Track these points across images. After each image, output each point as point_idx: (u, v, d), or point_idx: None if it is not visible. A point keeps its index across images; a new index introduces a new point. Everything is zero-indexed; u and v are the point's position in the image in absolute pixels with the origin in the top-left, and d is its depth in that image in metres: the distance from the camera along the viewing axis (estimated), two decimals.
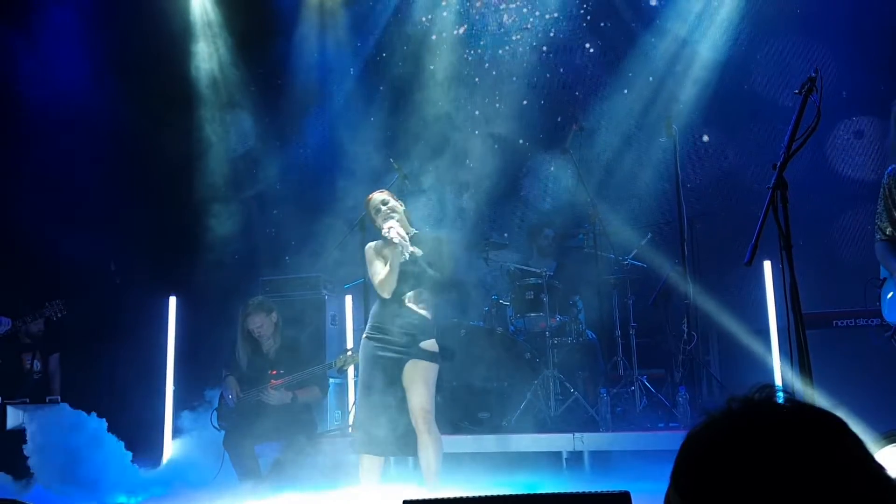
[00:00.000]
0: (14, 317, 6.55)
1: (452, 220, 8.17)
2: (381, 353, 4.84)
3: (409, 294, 4.89)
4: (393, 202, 5.02)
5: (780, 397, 1.15)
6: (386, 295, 4.90)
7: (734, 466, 1.07)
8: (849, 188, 7.43)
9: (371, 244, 5.08)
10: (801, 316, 2.85)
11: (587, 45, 8.80)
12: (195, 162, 8.81)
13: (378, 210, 4.99)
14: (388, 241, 4.84)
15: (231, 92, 9.23)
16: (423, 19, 9.18)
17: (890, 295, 4.37)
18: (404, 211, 5.09)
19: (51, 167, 8.00)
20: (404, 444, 4.87)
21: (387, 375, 4.81)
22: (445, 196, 8.61)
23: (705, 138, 8.19)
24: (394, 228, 4.80)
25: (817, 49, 7.42)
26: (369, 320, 5.02)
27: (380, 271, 4.91)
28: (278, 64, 9.20)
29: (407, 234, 4.98)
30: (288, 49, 9.18)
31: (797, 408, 1.13)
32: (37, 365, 7.56)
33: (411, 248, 4.82)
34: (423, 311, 4.90)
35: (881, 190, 4.47)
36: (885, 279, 4.55)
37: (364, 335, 4.99)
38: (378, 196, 5.07)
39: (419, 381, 4.78)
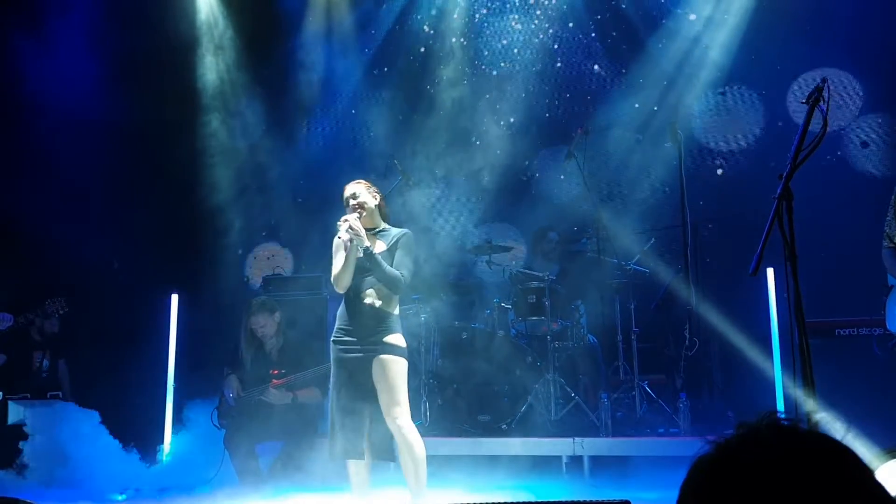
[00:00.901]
0: (16, 313, 6.57)
1: (454, 216, 8.20)
2: (346, 355, 4.72)
3: (370, 290, 4.74)
4: (364, 196, 4.85)
5: (788, 423, 1.15)
6: (339, 290, 4.81)
7: (741, 494, 1.06)
8: (853, 196, 7.42)
9: (338, 237, 4.81)
10: (804, 328, 2.84)
11: (594, 50, 8.78)
12: (199, 160, 8.82)
13: (347, 203, 4.86)
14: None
15: (237, 92, 9.23)
16: (426, 28, 9.16)
17: None
18: (378, 206, 4.93)
19: (56, 166, 8.01)
20: (382, 449, 4.75)
21: (355, 378, 4.69)
22: (448, 194, 8.64)
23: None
24: (347, 223, 4.65)
25: (825, 55, 7.41)
26: (336, 322, 4.89)
27: (336, 266, 4.81)
28: (284, 64, 9.20)
29: (375, 228, 4.88)
30: (293, 50, 9.17)
31: (806, 436, 1.12)
32: (45, 363, 7.61)
33: (367, 243, 4.66)
34: (384, 307, 4.74)
35: (892, 197, 4.47)
36: (892, 286, 4.55)
37: (331, 338, 4.86)
38: (350, 189, 4.92)
39: (386, 377, 4.62)
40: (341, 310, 4.87)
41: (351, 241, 4.68)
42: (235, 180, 8.97)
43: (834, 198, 7.35)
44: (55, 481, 6.39)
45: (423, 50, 9.16)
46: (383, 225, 4.96)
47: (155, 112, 8.33)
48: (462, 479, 5.66)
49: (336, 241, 4.80)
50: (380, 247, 4.80)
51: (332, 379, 4.82)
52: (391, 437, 4.70)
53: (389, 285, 4.71)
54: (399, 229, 4.95)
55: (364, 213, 4.80)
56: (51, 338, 7.63)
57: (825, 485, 1.05)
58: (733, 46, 8.14)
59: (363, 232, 4.68)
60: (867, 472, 1.09)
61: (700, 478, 1.13)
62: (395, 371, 4.65)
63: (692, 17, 8.27)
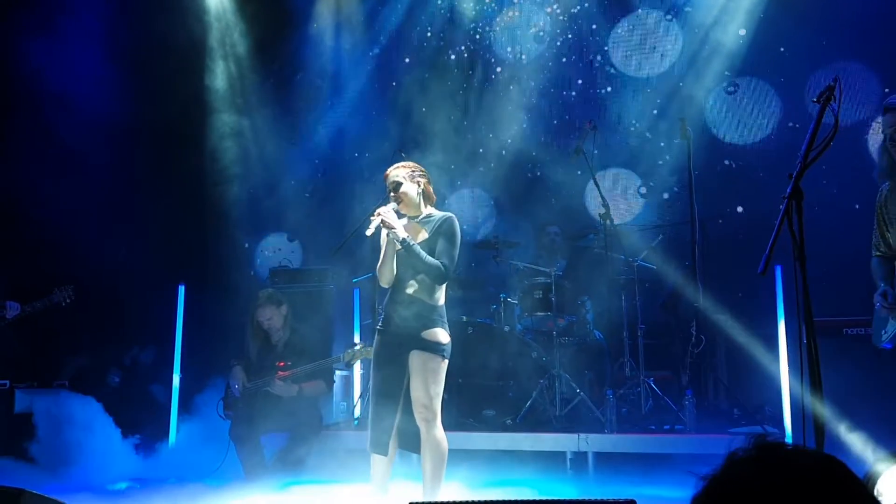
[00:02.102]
0: (24, 301, 6.59)
1: (461, 212, 8.18)
2: (387, 346, 4.58)
3: (412, 281, 4.55)
4: (406, 185, 4.64)
5: (783, 446, 1.14)
6: (383, 284, 4.67)
7: None
8: (863, 193, 7.38)
9: (382, 233, 4.66)
10: (812, 327, 2.83)
11: (603, 45, 8.75)
12: (208, 153, 8.84)
13: (389, 192, 4.67)
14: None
15: (245, 84, 9.25)
16: (435, 24, 9.15)
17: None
18: (422, 192, 4.70)
19: (68, 156, 8.03)
20: (410, 441, 4.59)
21: (393, 370, 4.53)
22: (456, 189, 8.63)
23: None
24: (379, 217, 4.48)
25: (837, 52, 7.37)
26: (382, 311, 4.75)
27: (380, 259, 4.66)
28: (293, 57, 9.21)
29: (418, 215, 4.68)
30: (303, 42, 9.18)
31: (799, 456, 1.12)
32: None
33: (403, 235, 4.47)
34: (426, 300, 4.54)
35: (876, 206, 4.46)
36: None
37: (376, 327, 4.73)
38: (392, 176, 4.68)
39: (418, 373, 4.46)
40: (385, 300, 4.72)
41: (387, 234, 4.55)
42: (243, 173, 8.99)
43: (843, 196, 7.32)
44: (60, 470, 6.40)
45: (431, 45, 9.14)
46: (428, 210, 4.74)
47: (165, 107, 8.35)
48: (466, 473, 5.64)
49: (383, 234, 4.64)
50: (422, 235, 4.61)
51: (372, 369, 4.72)
52: (414, 431, 4.56)
53: (430, 276, 4.52)
54: (442, 214, 4.71)
55: (403, 202, 4.63)
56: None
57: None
58: (744, 43, 8.10)
59: (398, 223, 4.51)
60: (861, 488, 1.08)
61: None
62: (429, 369, 4.48)
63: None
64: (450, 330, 4.83)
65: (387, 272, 4.62)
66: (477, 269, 8.06)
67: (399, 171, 4.69)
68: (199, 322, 7.81)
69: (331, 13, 9.27)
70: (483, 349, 6.74)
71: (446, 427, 6.14)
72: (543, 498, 5.27)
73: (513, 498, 4.93)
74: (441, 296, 4.63)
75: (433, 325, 4.53)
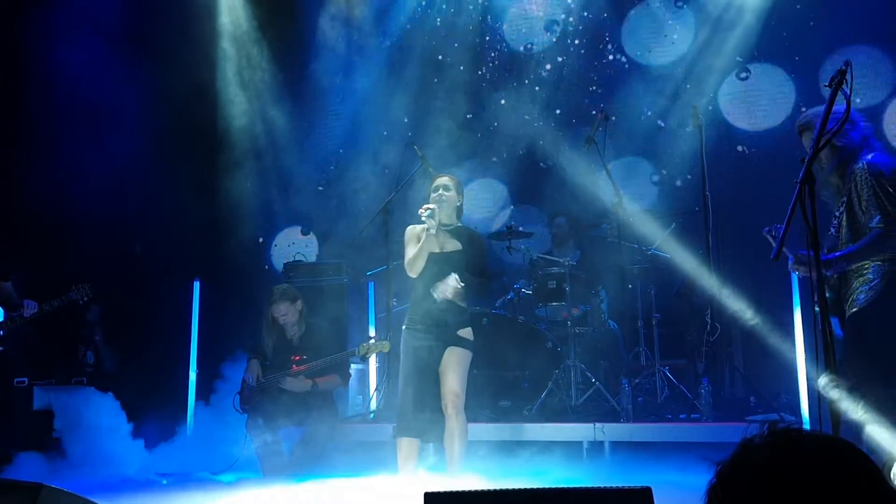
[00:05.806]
0: (41, 300, 6.63)
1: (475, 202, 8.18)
2: (419, 343, 5.12)
3: (447, 288, 5.07)
4: (449, 194, 5.21)
5: (797, 431, 1.15)
6: (412, 274, 5.15)
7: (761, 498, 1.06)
8: None
9: (411, 226, 5.27)
10: (828, 316, 2.81)
11: (615, 34, 8.71)
12: (221, 147, 8.86)
13: (432, 192, 5.23)
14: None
15: (257, 77, 9.27)
16: (447, 15, 9.13)
17: None
18: (459, 207, 5.31)
19: (81, 156, 8.07)
20: (430, 430, 5.10)
21: (425, 364, 5.08)
22: (469, 181, 8.63)
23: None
24: (427, 207, 5.00)
25: (850, 37, 7.31)
26: (408, 312, 5.26)
27: (410, 252, 5.14)
28: (304, 53, 9.21)
29: (449, 224, 5.21)
30: (313, 38, 9.18)
31: (818, 442, 1.12)
32: (90, 356, 7.76)
33: (436, 229, 5.03)
34: (459, 302, 5.11)
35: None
36: None
37: (404, 326, 5.24)
38: (439, 180, 5.31)
39: (454, 366, 5.05)
40: (415, 301, 5.24)
41: (427, 229, 5.06)
42: (258, 166, 9.02)
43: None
44: (79, 465, 6.46)
45: (443, 37, 9.13)
46: (458, 223, 5.34)
47: (179, 103, 8.37)
48: (483, 464, 5.65)
49: (409, 230, 5.24)
50: (453, 244, 5.16)
51: (402, 364, 5.19)
52: (441, 420, 5.06)
53: (477, 291, 5.25)
54: (471, 229, 5.39)
55: (445, 202, 5.19)
56: (94, 325, 7.84)
57: (834, 488, 1.05)
58: (756, 29, 8.04)
59: (435, 219, 5.05)
60: (875, 471, 1.09)
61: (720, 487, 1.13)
62: (463, 363, 5.11)
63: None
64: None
65: (420, 263, 5.13)
66: (491, 259, 8.05)
67: (442, 179, 5.32)
68: (214, 317, 7.84)
69: (342, 6, 9.26)
70: (498, 340, 6.73)
71: None
72: (559, 486, 5.27)
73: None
74: (467, 298, 5.23)
75: (465, 324, 5.20)
